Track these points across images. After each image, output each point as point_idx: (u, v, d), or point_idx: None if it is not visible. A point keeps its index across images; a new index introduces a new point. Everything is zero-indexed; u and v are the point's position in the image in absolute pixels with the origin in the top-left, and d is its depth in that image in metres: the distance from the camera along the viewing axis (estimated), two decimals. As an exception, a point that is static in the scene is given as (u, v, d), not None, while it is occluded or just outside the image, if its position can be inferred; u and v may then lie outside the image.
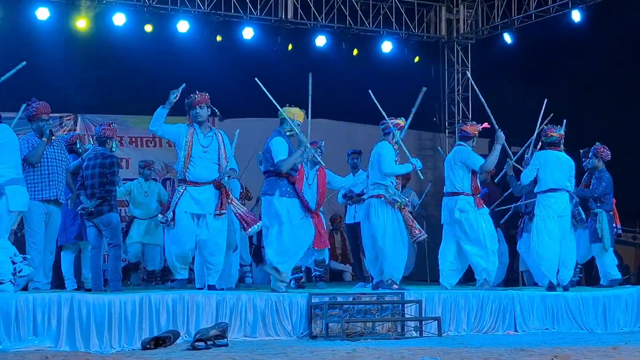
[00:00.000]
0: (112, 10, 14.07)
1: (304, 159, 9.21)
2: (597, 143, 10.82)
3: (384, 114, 9.94)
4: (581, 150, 11.08)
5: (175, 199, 8.78)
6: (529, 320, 9.37)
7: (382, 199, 9.66)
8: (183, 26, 14.44)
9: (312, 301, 8.42)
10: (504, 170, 10.73)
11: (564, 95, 14.56)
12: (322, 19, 15.35)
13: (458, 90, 16.78)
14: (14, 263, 7.77)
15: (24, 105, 9.01)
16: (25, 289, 8.43)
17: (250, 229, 9.02)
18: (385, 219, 9.61)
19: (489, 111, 10.05)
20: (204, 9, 14.51)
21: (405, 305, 8.72)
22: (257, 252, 12.91)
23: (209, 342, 7.50)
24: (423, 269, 13.63)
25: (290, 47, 15.21)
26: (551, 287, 9.85)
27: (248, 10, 14.79)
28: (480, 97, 10.24)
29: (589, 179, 10.84)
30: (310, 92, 9.21)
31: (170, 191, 13.40)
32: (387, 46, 15.95)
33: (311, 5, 15.20)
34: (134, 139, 15.36)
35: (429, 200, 14.74)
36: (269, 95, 8.96)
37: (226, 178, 8.92)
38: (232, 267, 9.69)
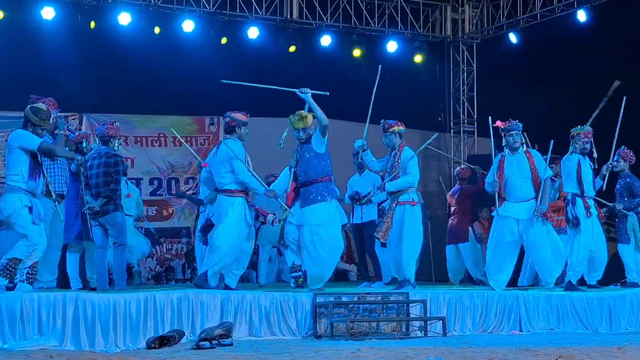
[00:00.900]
0: (117, 10, 14.10)
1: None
2: (622, 147, 10.74)
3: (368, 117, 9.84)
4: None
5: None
6: (534, 320, 9.35)
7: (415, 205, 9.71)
8: (188, 26, 14.46)
9: (317, 301, 8.42)
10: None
11: (569, 95, 14.53)
12: (327, 19, 15.37)
13: (463, 90, 16.79)
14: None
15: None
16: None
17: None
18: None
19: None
20: (209, 8, 14.53)
21: (410, 305, 8.72)
22: None
23: (213, 342, 7.50)
24: (428, 269, 13.62)
25: (293, 49, 15.20)
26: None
27: (253, 9, 14.82)
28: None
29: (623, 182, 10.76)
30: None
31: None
32: (392, 46, 15.95)
33: (316, 5, 15.23)
34: (139, 139, 15.37)
35: (433, 200, 14.73)
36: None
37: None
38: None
